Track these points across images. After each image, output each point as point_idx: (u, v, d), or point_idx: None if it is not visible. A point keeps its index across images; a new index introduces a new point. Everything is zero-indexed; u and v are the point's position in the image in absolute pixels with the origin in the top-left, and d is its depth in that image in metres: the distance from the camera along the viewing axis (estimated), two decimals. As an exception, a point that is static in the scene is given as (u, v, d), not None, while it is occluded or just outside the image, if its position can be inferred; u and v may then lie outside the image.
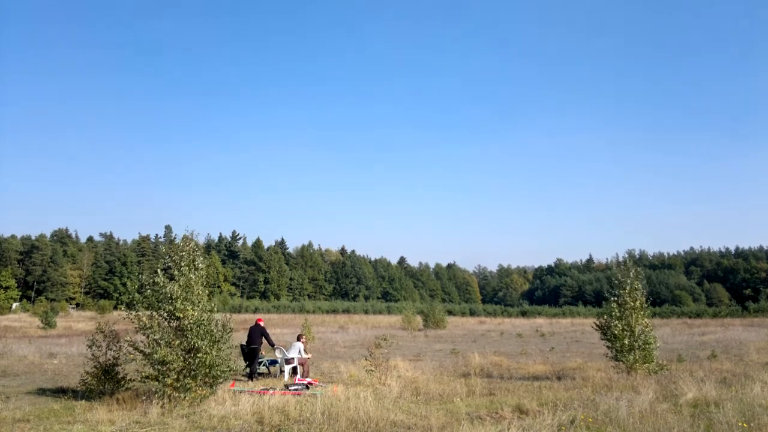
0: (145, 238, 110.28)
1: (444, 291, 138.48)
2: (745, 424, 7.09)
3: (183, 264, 9.79)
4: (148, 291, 9.49)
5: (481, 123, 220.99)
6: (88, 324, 40.67)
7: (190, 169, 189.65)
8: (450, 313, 79.48)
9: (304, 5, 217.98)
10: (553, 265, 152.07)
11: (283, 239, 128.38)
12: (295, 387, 11.14)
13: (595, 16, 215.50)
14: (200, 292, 9.76)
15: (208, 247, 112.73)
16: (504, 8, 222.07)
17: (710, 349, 19.43)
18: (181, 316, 9.27)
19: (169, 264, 9.86)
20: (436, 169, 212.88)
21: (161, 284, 9.39)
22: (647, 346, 12.73)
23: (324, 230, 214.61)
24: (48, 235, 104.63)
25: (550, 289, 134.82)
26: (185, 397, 8.97)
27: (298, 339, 14.00)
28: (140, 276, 10.06)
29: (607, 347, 13.28)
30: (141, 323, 9.30)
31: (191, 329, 9.22)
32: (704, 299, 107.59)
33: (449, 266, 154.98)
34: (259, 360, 13.89)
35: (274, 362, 14.15)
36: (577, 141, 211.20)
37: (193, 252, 10.03)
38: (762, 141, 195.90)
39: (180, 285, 9.50)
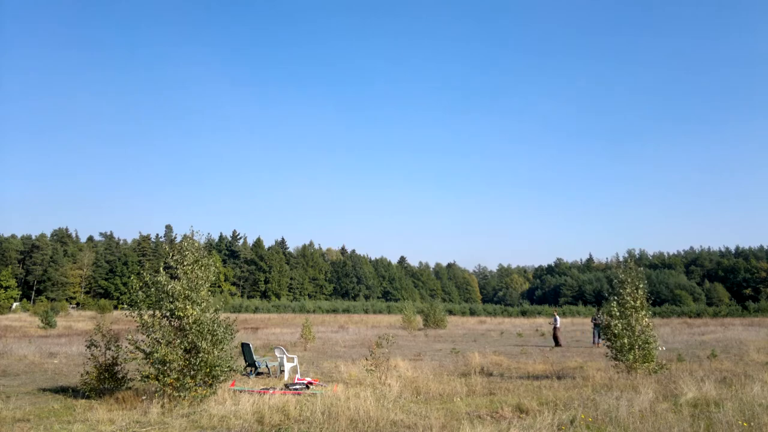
0: (145, 238, 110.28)
1: (444, 291, 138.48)
2: (745, 424, 7.09)
3: (186, 263, 9.78)
4: (152, 290, 9.48)
5: (482, 123, 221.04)
6: (89, 323, 40.68)
7: (190, 168, 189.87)
8: (450, 312, 79.46)
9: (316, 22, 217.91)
10: (553, 264, 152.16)
11: (283, 239, 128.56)
12: (295, 386, 11.14)
13: (598, 11, 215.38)
14: (204, 292, 9.74)
15: (209, 247, 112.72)
16: (507, 6, 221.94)
17: (710, 349, 19.41)
18: (182, 315, 9.26)
19: (171, 263, 9.84)
20: (437, 169, 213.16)
21: (163, 282, 9.38)
22: (647, 345, 12.73)
23: (324, 230, 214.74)
24: (48, 234, 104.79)
25: (551, 289, 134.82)
26: (185, 396, 8.96)
27: None
28: (141, 274, 10.02)
29: (607, 347, 13.28)
30: (142, 321, 9.30)
31: (192, 328, 9.22)
32: (704, 299, 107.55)
33: (449, 266, 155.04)
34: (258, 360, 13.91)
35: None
36: (577, 140, 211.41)
37: (197, 251, 10.02)
38: (763, 140, 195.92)
39: (182, 284, 9.49)
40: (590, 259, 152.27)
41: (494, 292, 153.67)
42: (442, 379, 12.22)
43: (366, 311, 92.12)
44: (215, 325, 9.56)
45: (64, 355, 18.27)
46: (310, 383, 11.49)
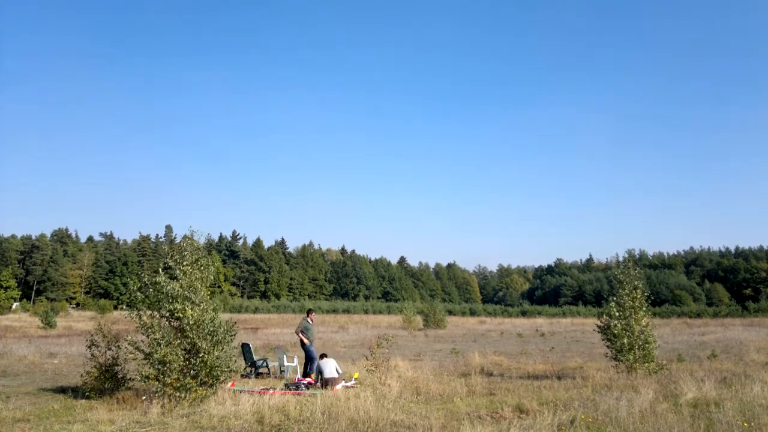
0: (145, 238, 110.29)
1: (444, 291, 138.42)
2: (745, 424, 7.09)
3: (185, 263, 9.77)
4: (150, 290, 9.47)
5: (482, 124, 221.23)
6: (88, 324, 40.67)
7: (190, 169, 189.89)
8: (450, 312, 79.45)
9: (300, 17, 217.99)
10: (553, 265, 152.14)
11: (283, 239, 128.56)
12: (295, 387, 11.14)
13: (600, 16, 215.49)
14: (203, 292, 9.74)
15: (209, 247, 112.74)
16: (504, 15, 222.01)
17: (710, 349, 19.42)
18: (182, 315, 9.26)
19: (170, 264, 9.83)
20: (437, 169, 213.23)
21: (162, 283, 9.37)
22: (647, 345, 12.72)
23: (324, 230, 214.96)
24: (48, 235, 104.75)
25: (551, 289, 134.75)
26: (185, 396, 8.96)
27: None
28: (140, 275, 10.02)
29: (607, 347, 13.27)
30: (142, 322, 9.29)
31: (191, 329, 9.21)
32: (704, 299, 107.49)
33: (449, 266, 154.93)
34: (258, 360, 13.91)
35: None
36: (577, 141, 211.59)
37: (196, 252, 10.01)
38: (763, 140, 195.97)
39: (181, 284, 9.48)
40: (590, 260, 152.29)
41: (494, 292, 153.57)
42: (442, 379, 12.21)
43: (366, 311, 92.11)
44: (214, 325, 9.55)
45: (64, 355, 18.27)
46: (310, 383, 11.49)
